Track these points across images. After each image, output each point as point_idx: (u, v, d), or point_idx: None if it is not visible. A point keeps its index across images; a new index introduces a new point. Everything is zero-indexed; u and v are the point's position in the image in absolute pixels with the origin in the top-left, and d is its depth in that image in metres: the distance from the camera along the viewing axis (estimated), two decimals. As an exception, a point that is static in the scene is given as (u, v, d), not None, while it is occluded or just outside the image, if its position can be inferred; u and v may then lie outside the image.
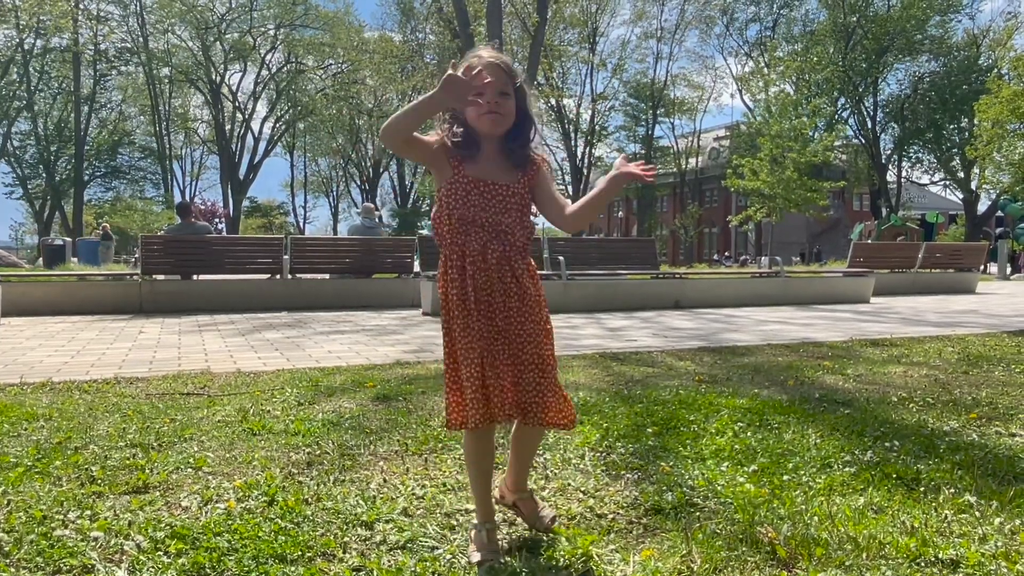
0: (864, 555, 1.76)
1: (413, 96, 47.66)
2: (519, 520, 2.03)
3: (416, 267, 11.02)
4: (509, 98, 1.77)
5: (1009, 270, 22.86)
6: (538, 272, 1.88)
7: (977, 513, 2.03)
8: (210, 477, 2.39)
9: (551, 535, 1.91)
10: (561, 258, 9.47)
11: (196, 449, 2.71)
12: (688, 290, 10.43)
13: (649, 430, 2.90)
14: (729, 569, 1.71)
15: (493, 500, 1.95)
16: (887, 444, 2.72)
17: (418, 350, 5.51)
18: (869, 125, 43.94)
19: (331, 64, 51.05)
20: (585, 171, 50.46)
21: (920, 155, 45.32)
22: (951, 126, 42.23)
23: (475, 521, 1.89)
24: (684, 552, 1.79)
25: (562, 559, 1.77)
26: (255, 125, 50.60)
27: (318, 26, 47.79)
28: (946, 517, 2.00)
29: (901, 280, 13.77)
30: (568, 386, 3.77)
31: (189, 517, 2.03)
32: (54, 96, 44.37)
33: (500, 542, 1.84)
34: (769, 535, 1.86)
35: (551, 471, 2.45)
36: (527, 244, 1.83)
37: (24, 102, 41.57)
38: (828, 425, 3.00)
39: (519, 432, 1.92)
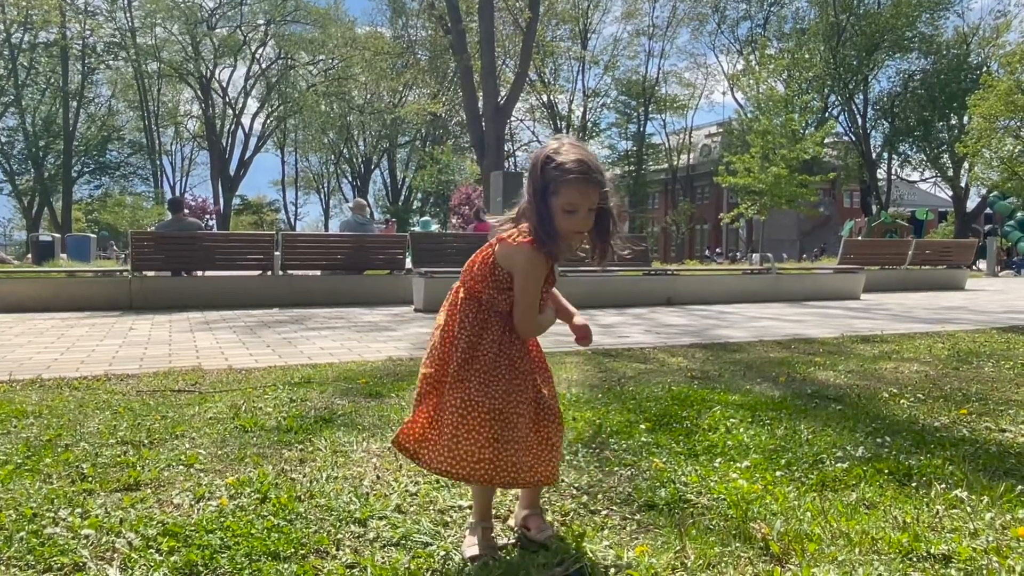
0: (856, 550, 1.77)
1: (405, 93, 47.31)
2: (513, 519, 2.03)
3: (408, 264, 11.01)
4: (594, 210, 1.73)
5: (999, 267, 23.01)
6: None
7: (968, 508, 2.04)
8: (202, 474, 2.38)
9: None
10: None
11: (188, 446, 2.69)
12: (680, 287, 10.46)
13: (642, 426, 2.91)
14: (722, 565, 1.71)
15: (494, 518, 1.94)
16: (879, 440, 2.74)
17: (410, 347, 5.50)
18: (859, 122, 44.10)
19: (322, 60, 50.87)
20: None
21: (910, 152, 45.52)
22: (940, 123, 42.42)
23: (471, 519, 1.89)
24: (677, 548, 1.79)
25: (556, 556, 1.77)
26: (246, 121, 50.37)
27: (308, 22, 47.60)
28: (937, 512, 2.01)
29: (891, 277, 13.85)
30: (561, 383, 3.78)
31: (181, 514, 2.02)
32: (42, 91, 43.96)
33: (494, 539, 1.84)
34: (762, 531, 1.87)
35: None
36: None
37: (12, 97, 41.19)
38: (820, 421, 3.01)
39: None
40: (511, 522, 1.99)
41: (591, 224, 1.74)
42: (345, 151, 57.93)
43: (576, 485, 2.27)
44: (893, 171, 46.85)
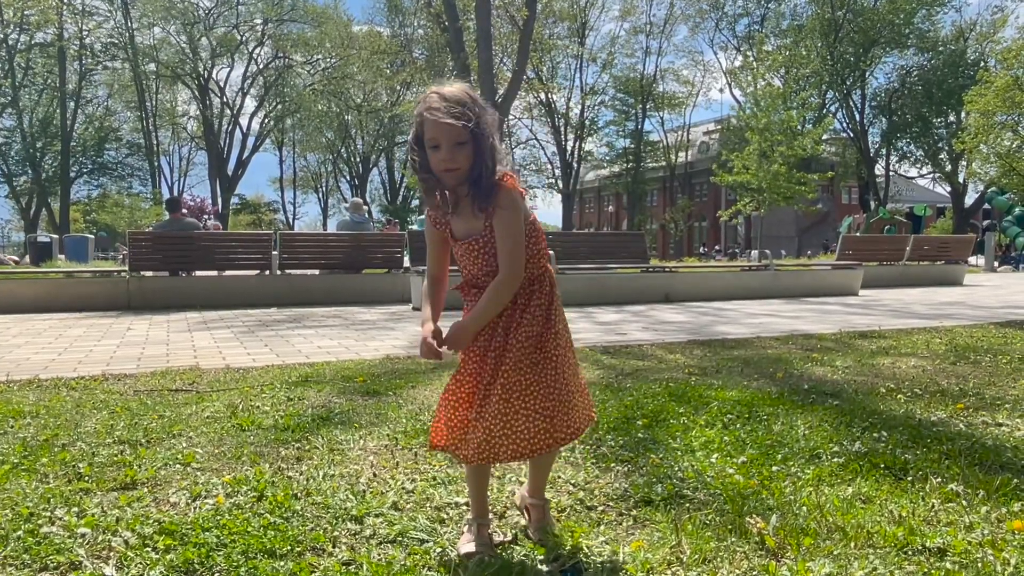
0: (852, 544, 1.77)
1: (403, 92, 47.30)
2: (510, 515, 2.03)
3: (406, 262, 11.01)
4: (465, 146, 1.67)
5: (997, 263, 23.03)
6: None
7: (964, 502, 2.04)
8: (199, 473, 2.38)
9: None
10: (551, 252, 9.47)
11: (184, 445, 2.69)
12: (678, 284, 10.46)
13: (639, 422, 2.91)
14: (718, 560, 1.71)
15: (491, 514, 1.95)
16: (875, 435, 2.74)
17: (408, 345, 5.50)
18: (857, 118, 44.12)
19: (319, 59, 50.81)
20: (575, 165, 50.42)
21: (907, 148, 45.54)
22: (938, 120, 42.44)
23: (468, 516, 1.89)
24: (673, 543, 1.79)
25: (552, 552, 1.77)
26: (243, 120, 50.32)
27: (306, 21, 47.55)
28: (933, 506, 2.01)
29: (889, 273, 13.85)
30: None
31: (177, 513, 2.02)
32: (39, 92, 43.87)
33: (491, 536, 1.84)
34: (758, 525, 1.87)
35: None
36: (530, 281, 1.77)
37: (9, 98, 41.11)
38: (817, 416, 3.02)
39: None
40: (517, 499, 2.00)
41: (464, 162, 1.69)
42: (343, 150, 57.90)
43: (573, 481, 2.28)
44: (891, 167, 46.88)
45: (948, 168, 42.11)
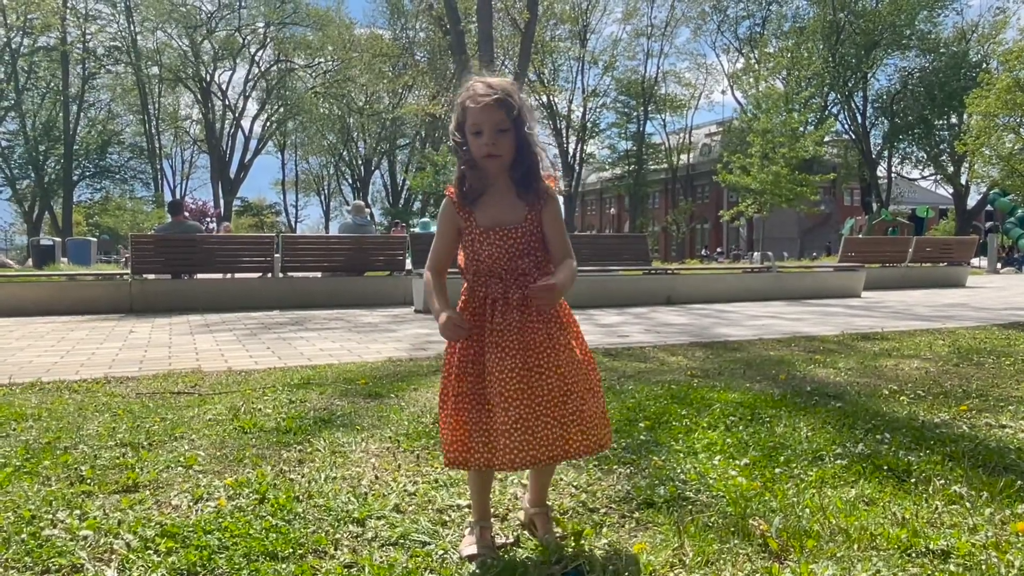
0: (855, 546, 1.76)
1: (404, 94, 47.32)
2: (511, 517, 2.03)
3: (408, 265, 11.01)
4: (507, 133, 1.72)
5: (1000, 265, 23.00)
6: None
7: (967, 504, 2.04)
8: (200, 475, 2.37)
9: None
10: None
11: (186, 448, 2.69)
12: (680, 286, 10.45)
13: (641, 425, 2.90)
14: (721, 562, 1.71)
15: (493, 517, 1.94)
16: (878, 436, 2.73)
17: (410, 348, 5.50)
18: (859, 120, 44.09)
19: (321, 62, 50.90)
20: (577, 167, 50.42)
21: (909, 150, 45.50)
22: (940, 121, 42.39)
23: (470, 519, 1.89)
24: (676, 545, 1.79)
25: (554, 554, 1.77)
26: (245, 123, 50.40)
27: (307, 24, 47.63)
28: (937, 508, 2.01)
29: (892, 274, 13.84)
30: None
31: (179, 515, 2.02)
32: (42, 95, 43.94)
33: (493, 538, 1.84)
34: (761, 528, 1.86)
35: (543, 466, 2.44)
36: None
37: (12, 101, 41.19)
38: (819, 418, 3.01)
39: None
40: (522, 500, 1.99)
41: (505, 149, 1.72)
42: (345, 153, 57.97)
43: (575, 484, 2.27)
44: (893, 169, 46.84)
45: (950, 170, 42.05)
